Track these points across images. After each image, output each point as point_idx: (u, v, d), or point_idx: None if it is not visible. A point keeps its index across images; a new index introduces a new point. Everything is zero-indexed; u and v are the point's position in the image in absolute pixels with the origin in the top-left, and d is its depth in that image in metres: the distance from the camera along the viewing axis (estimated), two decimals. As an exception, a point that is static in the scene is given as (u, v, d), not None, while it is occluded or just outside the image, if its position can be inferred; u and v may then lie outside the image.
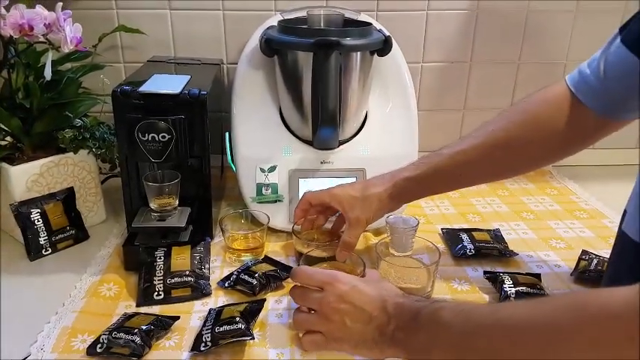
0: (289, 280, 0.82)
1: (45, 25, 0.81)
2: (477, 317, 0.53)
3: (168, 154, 0.82)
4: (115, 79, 0.91)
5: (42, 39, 0.85)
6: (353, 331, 0.62)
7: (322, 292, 0.65)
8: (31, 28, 0.80)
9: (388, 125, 1.04)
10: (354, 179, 0.98)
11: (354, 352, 0.64)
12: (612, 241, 0.96)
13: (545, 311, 0.49)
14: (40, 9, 0.82)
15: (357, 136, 1.02)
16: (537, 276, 0.83)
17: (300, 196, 0.97)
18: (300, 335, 0.68)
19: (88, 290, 0.81)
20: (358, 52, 0.93)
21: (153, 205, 0.86)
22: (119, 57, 1.17)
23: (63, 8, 0.85)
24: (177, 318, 0.74)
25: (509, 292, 0.76)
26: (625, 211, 0.67)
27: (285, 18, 1.05)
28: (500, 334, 0.50)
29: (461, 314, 0.54)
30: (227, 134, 0.99)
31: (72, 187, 0.95)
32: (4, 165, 0.89)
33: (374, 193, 0.83)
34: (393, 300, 0.61)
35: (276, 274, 0.82)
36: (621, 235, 0.66)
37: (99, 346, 0.67)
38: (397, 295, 0.63)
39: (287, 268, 0.84)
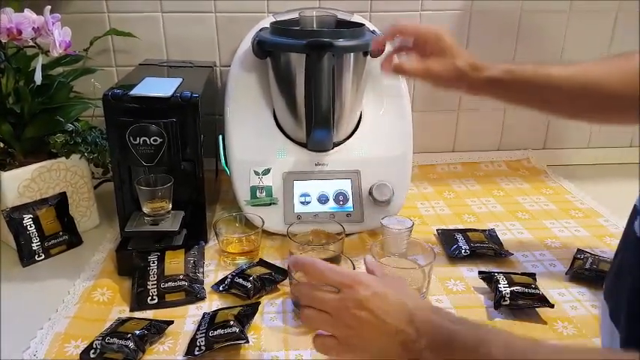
0: (285, 282, 0.82)
1: (33, 29, 0.81)
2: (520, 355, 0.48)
3: (160, 158, 0.81)
4: (107, 82, 0.90)
5: (31, 43, 0.84)
6: (372, 342, 0.56)
7: (338, 294, 0.58)
8: (20, 32, 0.79)
9: (382, 127, 1.03)
10: (348, 181, 0.98)
11: None
12: (608, 240, 0.97)
13: None
14: (28, 13, 0.82)
15: (351, 138, 1.02)
16: (532, 275, 0.83)
17: (295, 198, 0.97)
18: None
19: (82, 296, 0.80)
20: (351, 54, 0.93)
21: (145, 210, 0.85)
22: (111, 61, 1.17)
23: (53, 12, 0.84)
24: (171, 322, 0.73)
25: (504, 292, 0.76)
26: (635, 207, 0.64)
27: (278, 20, 1.05)
28: None
29: (506, 351, 0.49)
30: (220, 137, 0.98)
31: (64, 192, 0.94)
32: (-5, 170, 0.88)
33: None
34: (423, 315, 0.55)
35: (271, 277, 0.82)
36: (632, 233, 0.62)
37: (92, 351, 0.67)
38: (425, 308, 0.57)
39: (282, 271, 0.84)
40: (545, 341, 0.57)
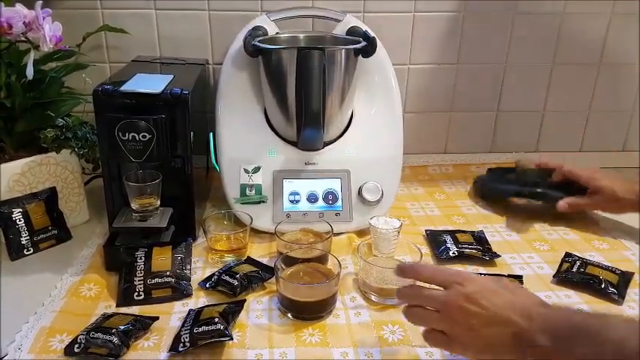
0: (271, 281, 0.82)
1: (24, 23, 0.81)
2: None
3: (149, 154, 0.82)
4: (99, 78, 0.90)
5: (22, 38, 0.84)
6: (481, 335, 0.56)
7: (446, 291, 0.59)
8: (10, 27, 0.79)
9: (373, 127, 1.03)
10: (338, 181, 0.98)
11: (480, 356, 0.58)
12: (597, 244, 0.97)
13: None
14: (19, 7, 0.82)
15: (342, 138, 1.02)
16: (519, 278, 0.83)
17: (285, 196, 0.97)
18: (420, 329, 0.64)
19: (69, 290, 0.80)
20: (342, 52, 0.93)
21: (134, 206, 0.85)
22: (104, 57, 1.17)
23: (47, 7, 0.84)
24: (157, 318, 0.73)
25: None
26: None
27: (272, 19, 1.05)
28: None
29: (625, 324, 0.50)
30: (211, 134, 0.99)
31: (54, 187, 0.94)
32: (-15, 164, 0.88)
33: None
34: (535, 307, 0.55)
35: (258, 275, 0.82)
36: None
37: (76, 346, 0.67)
38: (541, 303, 0.57)
39: (269, 269, 0.84)
40: None
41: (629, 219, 1.02)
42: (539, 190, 1.04)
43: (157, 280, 0.79)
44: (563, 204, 0.92)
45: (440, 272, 0.63)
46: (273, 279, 0.81)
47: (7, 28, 0.80)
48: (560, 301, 0.80)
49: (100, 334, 0.67)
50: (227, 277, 0.80)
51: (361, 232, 0.98)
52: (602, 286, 0.81)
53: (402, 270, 0.65)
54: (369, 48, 0.95)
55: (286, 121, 0.99)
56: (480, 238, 0.96)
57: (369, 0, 1.17)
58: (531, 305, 0.56)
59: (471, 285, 0.58)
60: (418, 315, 0.62)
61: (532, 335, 0.53)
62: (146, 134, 0.80)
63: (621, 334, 0.48)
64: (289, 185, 0.98)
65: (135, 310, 0.77)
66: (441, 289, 0.61)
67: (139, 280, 0.79)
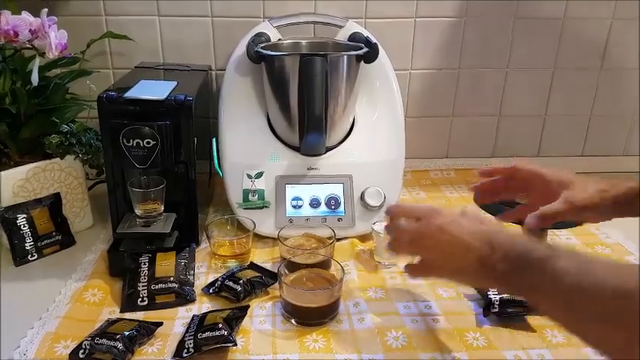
0: (275, 286, 0.82)
1: (30, 31, 0.81)
2: (596, 278, 0.49)
3: (153, 160, 0.82)
4: (103, 85, 0.91)
5: (28, 45, 0.85)
6: (450, 260, 0.63)
7: (420, 222, 0.66)
8: (16, 35, 0.80)
9: (375, 132, 1.04)
10: (341, 186, 0.99)
11: (453, 280, 0.68)
12: (599, 248, 0.97)
13: None
14: (25, 15, 0.83)
15: (344, 143, 1.03)
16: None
17: (287, 202, 0.97)
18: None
19: (73, 296, 0.81)
20: (344, 59, 0.94)
21: (138, 211, 0.86)
22: (108, 63, 1.17)
23: (51, 14, 0.85)
24: (161, 324, 0.74)
25: (493, 299, 0.76)
26: None
27: (274, 25, 1.06)
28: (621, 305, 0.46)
29: (583, 266, 0.51)
30: (214, 140, 0.99)
31: (58, 193, 0.95)
32: (-10, 170, 0.89)
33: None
34: (500, 235, 0.60)
35: (261, 281, 0.82)
36: None
37: (81, 351, 0.68)
38: (504, 232, 0.61)
39: (272, 275, 0.84)
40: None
41: (631, 223, 1.01)
42: None
43: (160, 285, 0.80)
44: (532, 221, 0.77)
45: (416, 208, 0.70)
46: (277, 284, 0.82)
47: (14, 36, 0.80)
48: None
49: (104, 340, 0.68)
50: (230, 283, 0.81)
51: (364, 237, 0.98)
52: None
53: (388, 209, 0.72)
54: (371, 54, 0.96)
55: (289, 126, 0.99)
56: (482, 243, 0.96)
57: (371, 5, 1.17)
58: (495, 233, 0.60)
59: (441, 217, 0.64)
60: (394, 245, 0.70)
61: (493, 262, 0.57)
62: (150, 140, 0.81)
63: (564, 264, 0.51)
64: (292, 190, 0.98)
65: (139, 315, 0.77)
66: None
67: (142, 286, 0.80)
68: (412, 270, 0.69)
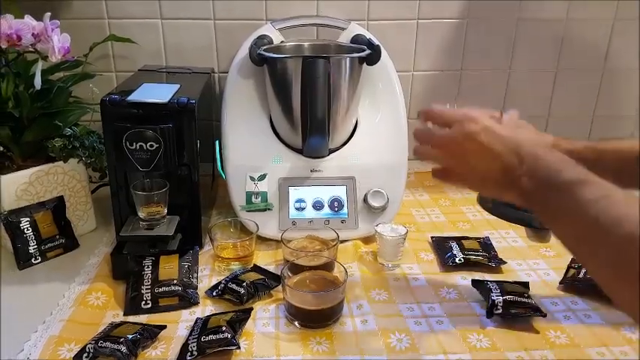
0: (278, 289, 0.82)
1: (33, 35, 0.82)
2: (613, 218, 0.46)
3: (156, 163, 0.82)
4: (106, 88, 0.91)
5: (30, 49, 0.85)
6: (475, 167, 0.61)
7: (449, 129, 0.63)
8: (19, 39, 0.80)
9: (378, 134, 1.04)
10: (344, 188, 0.99)
11: (475, 190, 0.66)
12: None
13: None
14: (28, 19, 0.83)
15: (347, 145, 1.03)
16: (525, 284, 0.83)
17: (291, 204, 0.97)
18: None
19: (76, 299, 0.81)
20: (347, 61, 0.94)
21: (141, 214, 0.86)
22: (111, 66, 1.18)
23: (54, 17, 0.85)
24: (164, 327, 0.74)
25: (496, 301, 0.76)
26: None
27: (277, 27, 1.06)
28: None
29: (604, 201, 0.48)
30: (217, 142, 0.99)
31: (62, 196, 0.95)
32: (-6, 174, 0.89)
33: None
34: (530, 148, 0.57)
35: (265, 283, 0.82)
36: None
37: (85, 355, 0.68)
38: (537, 144, 0.58)
39: (275, 277, 0.84)
40: None
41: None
42: None
43: (164, 288, 0.80)
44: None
45: (448, 112, 0.65)
46: (280, 287, 0.82)
47: (17, 40, 0.81)
48: (568, 308, 0.80)
49: (108, 343, 0.68)
50: (234, 285, 0.81)
51: (367, 239, 0.98)
52: (609, 292, 0.81)
53: (420, 112, 0.68)
54: (373, 56, 0.95)
55: (292, 128, 0.99)
56: (485, 245, 0.96)
57: (373, 7, 1.17)
58: (526, 145, 0.57)
59: (472, 125, 0.61)
60: (421, 151, 0.67)
61: (518, 175, 0.55)
62: (153, 143, 0.81)
63: (588, 194, 0.48)
64: (295, 192, 0.98)
65: (142, 318, 0.77)
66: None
67: (146, 289, 0.80)
68: (436, 173, 0.67)
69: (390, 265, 0.90)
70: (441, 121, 0.65)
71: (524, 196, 0.56)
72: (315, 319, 0.75)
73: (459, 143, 0.61)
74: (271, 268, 0.88)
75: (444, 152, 0.64)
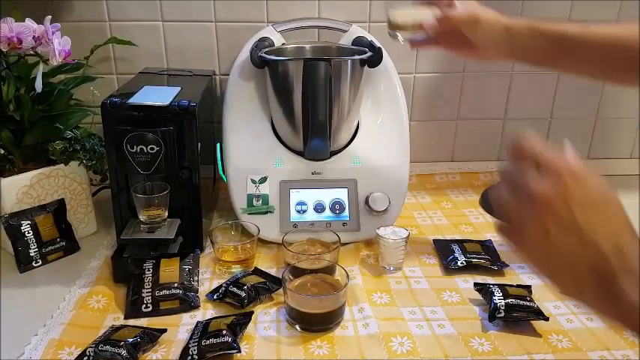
0: (279, 292, 0.82)
1: (34, 38, 0.82)
2: None
3: (156, 166, 0.82)
4: (107, 90, 0.91)
5: (31, 52, 0.85)
6: (554, 244, 0.44)
7: (542, 180, 0.45)
8: (20, 42, 0.80)
9: (379, 136, 1.03)
10: (345, 190, 0.98)
11: (538, 271, 0.47)
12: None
13: None
14: (29, 22, 0.83)
15: (349, 147, 1.02)
16: (528, 288, 0.82)
17: (292, 206, 0.97)
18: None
19: (77, 302, 0.81)
20: (348, 63, 0.94)
21: (142, 217, 0.86)
22: (112, 68, 1.17)
23: (55, 20, 0.85)
24: (165, 331, 0.74)
25: (498, 304, 0.76)
26: None
27: (278, 30, 1.06)
28: None
29: None
30: (218, 145, 0.99)
31: (62, 199, 0.95)
32: (-5, 177, 0.89)
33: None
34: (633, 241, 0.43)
35: (266, 287, 0.82)
36: None
37: (85, 358, 0.67)
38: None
39: (276, 280, 0.84)
40: None
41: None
42: None
43: (164, 291, 0.80)
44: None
45: (542, 148, 0.48)
46: (281, 290, 0.81)
47: (17, 43, 0.81)
48: (570, 312, 0.80)
49: (108, 347, 0.68)
50: (234, 289, 0.80)
51: (369, 242, 0.98)
52: (612, 295, 0.80)
53: (510, 144, 0.50)
54: (375, 58, 0.95)
55: (293, 131, 0.99)
56: (488, 248, 0.96)
57: (375, 9, 1.17)
58: (630, 240, 0.43)
59: (575, 185, 0.45)
60: (502, 199, 0.48)
61: (615, 274, 0.42)
62: (154, 146, 0.81)
63: None
64: (296, 195, 0.98)
65: (143, 322, 0.77)
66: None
67: (146, 292, 0.79)
68: (505, 234, 0.48)
69: (391, 269, 0.90)
70: (531, 156, 0.48)
71: (622, 309, 0.42)
72: (316, 323, 0.75)
73: (547, 202, 0.45)
74: (272, 272, 0.88)
75: (524, 206, 0.46)
